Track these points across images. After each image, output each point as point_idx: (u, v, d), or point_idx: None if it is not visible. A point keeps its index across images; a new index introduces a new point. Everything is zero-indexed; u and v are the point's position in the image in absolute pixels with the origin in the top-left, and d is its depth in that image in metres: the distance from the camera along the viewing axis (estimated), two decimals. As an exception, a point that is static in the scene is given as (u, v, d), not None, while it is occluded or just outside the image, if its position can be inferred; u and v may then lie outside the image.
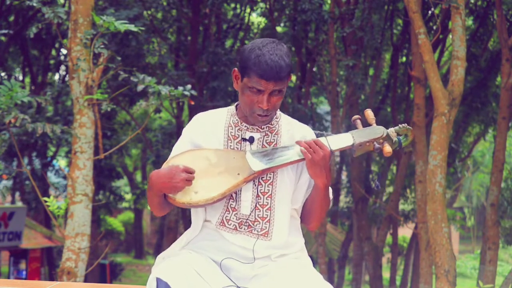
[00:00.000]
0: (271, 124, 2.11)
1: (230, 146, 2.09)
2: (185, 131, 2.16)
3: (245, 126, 2.09)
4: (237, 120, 2.10)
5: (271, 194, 2.07)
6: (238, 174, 2.02)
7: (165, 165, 2.05)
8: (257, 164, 2.01)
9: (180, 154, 2.07)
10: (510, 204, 12.58)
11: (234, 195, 2.07)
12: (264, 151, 2.05)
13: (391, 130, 2.09)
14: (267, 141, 2.10)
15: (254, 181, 2.06)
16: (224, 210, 2.08)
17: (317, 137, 2.12)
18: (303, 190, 2.13)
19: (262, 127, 2.09)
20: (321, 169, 1.99)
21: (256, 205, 2.07)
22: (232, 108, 2.15)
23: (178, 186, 1.97)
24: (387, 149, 2.04)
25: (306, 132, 2.15)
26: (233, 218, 2.07)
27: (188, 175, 1.97)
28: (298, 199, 2.12)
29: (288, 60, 1.97)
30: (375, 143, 2.06)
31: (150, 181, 2.03)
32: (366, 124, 2.14)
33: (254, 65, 1.94)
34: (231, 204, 2.07)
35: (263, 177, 2.07)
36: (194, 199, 1.99)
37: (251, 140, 2.08)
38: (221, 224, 2.08)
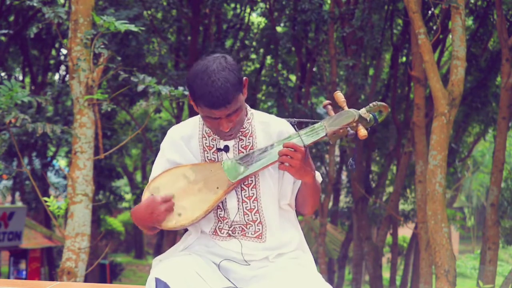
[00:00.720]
0: (243, 128, 2.07)
1: (207, 157, 2.08)
2: (162, 148, 2.15)
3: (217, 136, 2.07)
4: (209, 130, 2.08)
5: (256, 197, 2.07)
6: (217, 188, 2.01)
7: (146, 191, 2.05)
8: (235, 174, 2.01)
9: (159, 177, 2.06)
10: (510, 204, 12.58)
11: (221, 204, 2.07)
12: (241, 158, 2.03)
13: (363, 111, 2.00)
14: (243, 145, 2.07)
15: (235, 189, 2.06)
16: (216, 220, 2.09)
17: (292, 125, 2.09)
18: (289, 185, 2.10)
19: (239, 130, 2.06)
20: (304, 169, 1.96)
21: (243, 211, 2.07)
22: None
23: (160, 218, 1.98)
24: (362, 132, 1.96)
25: (282, 127, 2.10)
26: (225, 227, 2.08)
27: (167, 204, 1.97)
28: (287, 194, 2.11)
29: (234, 76, 1.91)
30: (348, 128, 1.98)
31: (132, 217, 2.04)
32: (338, 108, 2.07)
33: (200, 97, 1.90)
34: (219, 214, 2.08)
35: (245, 182, 2.06)
36: (179, 222, 2.01)
37: (226, 149, 2.06)
38: (214, 233, 2.09)
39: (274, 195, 2.08)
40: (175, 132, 2.14)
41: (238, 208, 2.06)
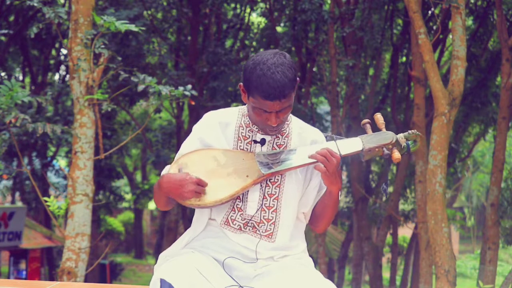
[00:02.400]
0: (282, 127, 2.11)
1: (240, 146, 2.09)
2: (195, 128, 2.14)
3: (256, 128, 2.08)
4: (248, 121, 2.09)
5: (277, 196, 2.08)
6: (247, 176, 2.02)
7: (174, 164, 2.04)
8: (267, 167, 2.02)
9: (189, 153, 2.06)
10: (510, 204, 12.57)
11: (241, 195, 2.07)
12: (274, 153, 2.05)
13: (400, 136, 2.10)
14: (277, 143, 2.10)
15: (261, 182, 2.06)
16: (230, 209, 2.08)
17: (327, 140, 2.12)
18: (313, 194, 2.13)
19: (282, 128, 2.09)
20: (335, 177, 2.00)
21: (262, 207, 2.07)
22: (244, 108, 2.14)
23: (187, 196, 1.97)
24: (396, 155, 2.04)
25: (316, 136, 2.14)
26: (238, 218, 2.08)
27: (199, 187, 1.97)
28: (308, 203, 2.13)
29: (292, 73, 1.94)
30: (384, 148, 2.06)
31: (161, 182, 2.01)
32: (375, 129, 2.13)
33: (257, 87, 1.92)
34: (237, 204, 2.08)
35: (271, 179, 2.07)
36: (202, 201, 1.99)
37: (262, 142, 2.08)
38: (226, 223, 2.09)
39: (296, 199, 2.10)
40: (212, 116, 2.14)
41: (258, 203, 2.07)
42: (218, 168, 2.02)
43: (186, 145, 2.11)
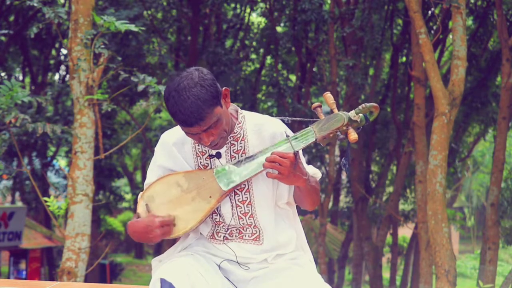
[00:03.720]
0: (234, 132, 2.05)
1: (201, 162, 2.07)
2: (155, 152, 2.14)
3: None
4: None
5: (250, 201, 2.06)
6: (210, 197, 2.01)
7: (140, 201, 2.06)
8: (226, 182, 2.00)
9: (152, 186, 2.07)
10: (510, 204, 12.57)
11: (215, 209, 2.08)
12: (234, 164, 2.01)
13: (352, 113, 1.95)
14: (234, 150, 2.06)
15: (229, 194, 2.05)
16: (213, 224, 2.10)
17: (281, 138, 2.05)
18: (285, 187, 2.09)
19: (227, 138, 2.02)
20: (293, 175, 1.94)
21: (238, 215, 2.06)
22: None
23: (155, 240, 2.00)
24: (352, 136, 1.92)
25: (275, 128, 2.07)
26: (222, 230, 2.09)
27: (165, 229, 1.99)
28: (283, 194, 2.09)
29: (207, 91, 1.87)
30: (338, 132, 1.95)
31: (128, 230, 2.04)
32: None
33: (173, 116, 1.89)
34: (215, 219, 2.09)
35: (238, 187, 2.05)
36: (173, 233, 2.03)
37: (218, 155, 2.06)
38: (212, 237, 2.10)
39: (269, 198, 2.07)
40: (167, 138, 2.12)
41: (233, 213, 2.06)
42: (182, 194, 2.03)
43: (150, 173, 2.12)
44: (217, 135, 1.94)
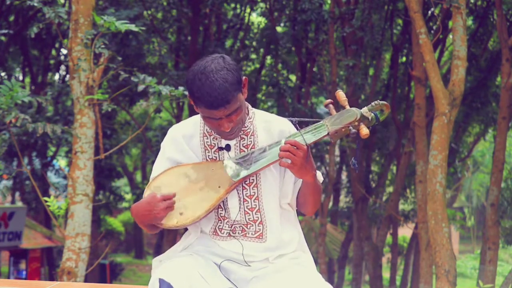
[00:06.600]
0: (245, 127, 2.06)
1: (208, 156, 2.07)
2: (163, 146, 2.14)
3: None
4: (210, 129, 2.07)
5: (257, 196, 2.06)
6: (219, 187, 2.01)
7: (147, 190, 2.05)
8: (236, 173, 2.00)
9: (160, 176, 2.06)
10: (510, 204, 12.58)
11: (221, 203, 2.07)
12: (242, 157, 2.02)
13: (365, 110, 2.00)
14: (244, 144, 2.06)
15: (237, 187, 2.05)
16: (217, 219, 2.08)
17: (293, 125, 2.08)
18: (290, 186, 2.10)
19: (240, 130, 2.04)
20: (305, 167, 1.96)
21: (244, 210, 2.06)
22: None
23: (160, 216, 1.97)
24: (364, 131, 1.95)
25: (283, 126, 2.09)
26: (225, 226, 2.08)
27: (168, 202, 1.97)
28: (288, 193, 2.10)
29: (233, 75, 1.90)
30: (350, 127, 1.98)
31: (132, 214, 2.03)
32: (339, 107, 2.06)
33: (199, 98, 1.90)
34: (220, 213, 2.08)
35: (246, 181, 2.06)
36: (180, 222, 2.00)
37: (228, 148, 2.06)
38: (214, 233, 2.09)
39: (275, 194, 2.08)
40: (176, 131, 2.13)
41: (240, 207, 2.06)
42: (190, 184, 2.02)
43: (157, 166, 2.11)
44: (236, 123, 1.96)
